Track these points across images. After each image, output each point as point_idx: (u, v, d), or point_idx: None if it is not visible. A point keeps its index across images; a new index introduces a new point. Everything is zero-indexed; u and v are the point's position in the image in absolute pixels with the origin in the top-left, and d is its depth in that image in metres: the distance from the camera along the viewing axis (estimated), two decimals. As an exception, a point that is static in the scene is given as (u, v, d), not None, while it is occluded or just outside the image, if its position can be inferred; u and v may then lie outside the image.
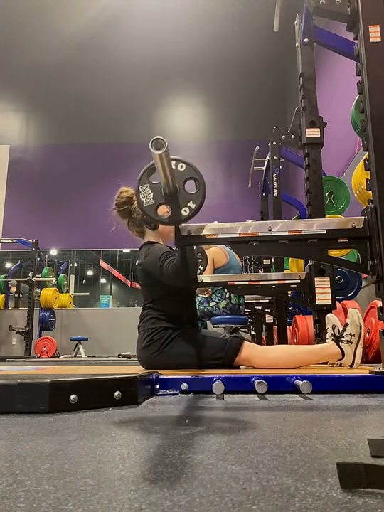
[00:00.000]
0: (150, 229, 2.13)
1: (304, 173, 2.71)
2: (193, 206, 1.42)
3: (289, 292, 3.38)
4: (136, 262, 2.13)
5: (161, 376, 1.46)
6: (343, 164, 5.84)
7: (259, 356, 1.85)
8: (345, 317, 1.89)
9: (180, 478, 0.52)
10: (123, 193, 2.16)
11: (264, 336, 5.02)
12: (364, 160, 1.87)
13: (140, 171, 1.44)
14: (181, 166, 1.41)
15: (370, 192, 1.67)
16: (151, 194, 1.43)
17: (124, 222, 2.19)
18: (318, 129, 2.69)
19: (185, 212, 1.42)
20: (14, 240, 8.35)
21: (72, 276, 11.32)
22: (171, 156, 1.31)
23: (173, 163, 1.38)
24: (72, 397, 1.08)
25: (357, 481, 0.46)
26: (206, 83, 10.39)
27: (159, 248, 1.99)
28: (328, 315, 1.99)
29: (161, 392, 1.41)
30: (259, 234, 1.66)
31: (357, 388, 1.41)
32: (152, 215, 1.43)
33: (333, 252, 3.23)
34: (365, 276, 3.25)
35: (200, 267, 2.40)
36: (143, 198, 1.43)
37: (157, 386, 1.43)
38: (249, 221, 2.05)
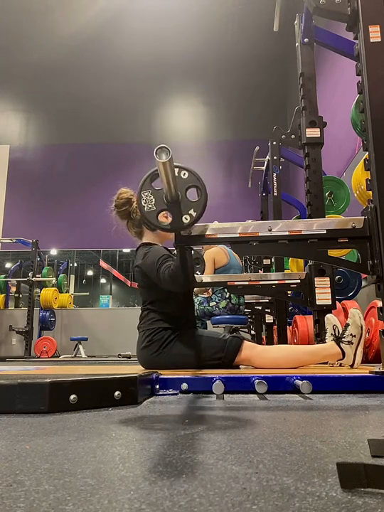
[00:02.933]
0: (149, 230, 2.13)
1: (304, 173, 2.71)
2: (194, 214, 1.43)
3: (289, 292, 3.37)
4: (135, 264, 2.13)
5: (161, 376, 1.46)
6: (343, 164, 5.84)
7: (259, 356, 1.85)
8: (346, 317, 1.89)
9: (180, 478, 0.52)
10: (122, 194, 2.16)
11: (264, 336, 5.02)
12: (364, 160, 1.87)
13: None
14: (184, 174, 1.42)
15: (370, 192, 1.67)
16: (153, 200, 1.43)
17: (123, 223, 2.19)
18: (318, 129, 2.69)
19: (186, 219, 1.43)
20: (14, 240, 8.34)
21: (72, 276, 11.32)
22: (175, 163, 1.31)
23: (176, 170, 1.39)
24: (72, 397, 1.08)
25: (357, 481, 0.46)
26: (206, 83, 10.39)
27: (157, 251, 1.98)
28: (327, 315, 1.99)
29: (161, 392, 1.41)
30: (259, 234, 1.66)
31: (357, 388, 1.41)
32: (153, 222, 1.44)
33: (333, 252, 3.23)
34: (365, 276, 3.25)
35: (197, 272, 2.40)
36: (144, 203, 1.43)
37: (157, 386, 1.43)
38: (249, 221, 2.05)
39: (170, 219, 1.45)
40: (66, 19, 9.00)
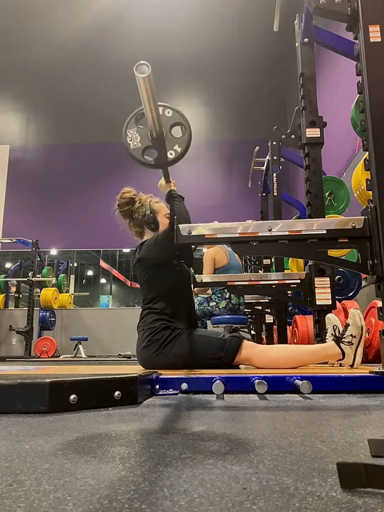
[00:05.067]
0: (150, 230, 2.14)
1: (304, 173, 2.71)
2: (178, 150, 1.45)
3: (289, 292, 3.37)
4: (134, 260, 2.14)
5: (161, 376, 1.46)
6: (343, 164, 5.84)
7: (259, 356, 1.85)
8: (346, 317, 1.89)
9: (180, 478, 0.52)
10: (125, 193, 2.17)
11: (264, 336, 5.02)
12: (364, 160, 1.87)
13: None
14: (168, 112, 1.45)
15: (370, 192, 1.67)
16: (138, 137, 1.45)
17: (125, 222, 2.20)
18: (318, 129, 2.69)
19: (171, 155, 1.45)
20: (14, 240, 8.34)
21: (72, 276, 11.32)
22: (159, 103, 1.33)
23: (161, 109, 1.42)
24: (72, 397, 1.08)
25: (357, 481, 0.46)
26: (206, 83, 10.38)
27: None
28: (328, 315, 1.99)
29: (161, 392, 1.41)
30: (259, 234, 1.66)
31: (357, 388, 1.41)
32: (139, 158, 1.45)
33: (333, 252, 3.23)
34: (365, 276, 3.25)
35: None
36: (130, 141, 1.45)
37: (157, 386, 1.43)
38: (249, 221, 2.05)
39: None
40: (66, 19, 9.00)
